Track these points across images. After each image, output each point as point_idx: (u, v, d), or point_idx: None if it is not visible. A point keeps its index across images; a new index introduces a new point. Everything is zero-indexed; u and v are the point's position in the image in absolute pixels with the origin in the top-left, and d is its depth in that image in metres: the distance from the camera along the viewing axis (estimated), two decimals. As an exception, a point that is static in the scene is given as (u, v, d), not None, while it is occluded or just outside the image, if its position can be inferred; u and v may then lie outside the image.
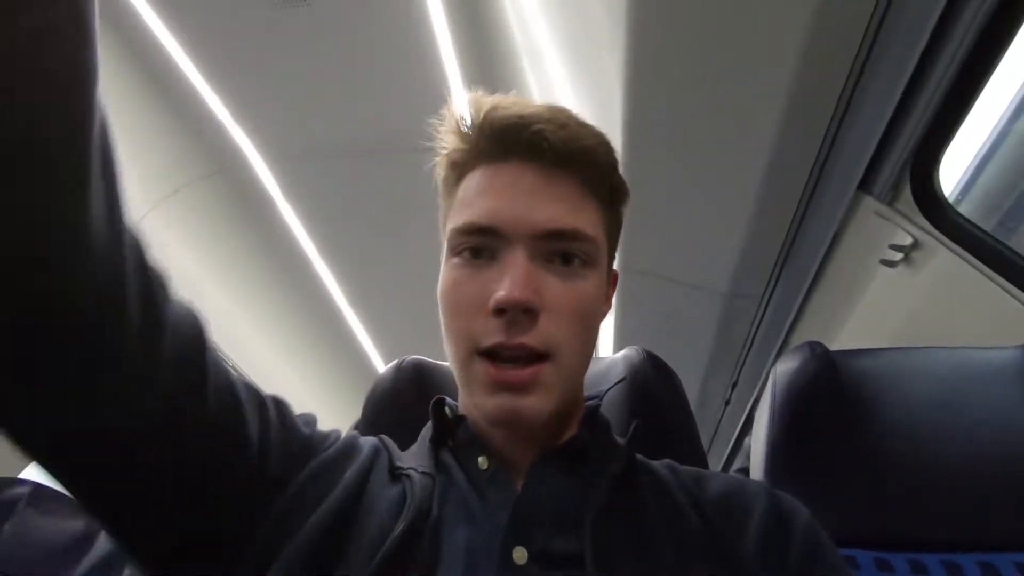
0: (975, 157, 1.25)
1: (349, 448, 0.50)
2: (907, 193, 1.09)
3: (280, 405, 0.48)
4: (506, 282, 0.44)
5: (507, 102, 0.49)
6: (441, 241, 0.54)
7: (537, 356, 0.45)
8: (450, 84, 1.48)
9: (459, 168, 0.52)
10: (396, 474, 0.48)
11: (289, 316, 2.25)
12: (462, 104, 0.51)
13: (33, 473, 1.93)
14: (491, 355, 0.45)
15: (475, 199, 0.49)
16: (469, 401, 0.49)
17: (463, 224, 0.48)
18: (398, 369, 0.73)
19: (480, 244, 0.47)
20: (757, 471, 0.72)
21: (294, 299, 2.18)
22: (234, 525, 0.41)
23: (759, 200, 1.27)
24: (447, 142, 0.52)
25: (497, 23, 1.44)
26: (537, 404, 0.46)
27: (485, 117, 0.49)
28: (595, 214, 0.50)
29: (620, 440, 0.54)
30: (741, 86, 1.08)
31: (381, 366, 2.47)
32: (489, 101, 0.50)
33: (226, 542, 0.41)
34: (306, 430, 0.50)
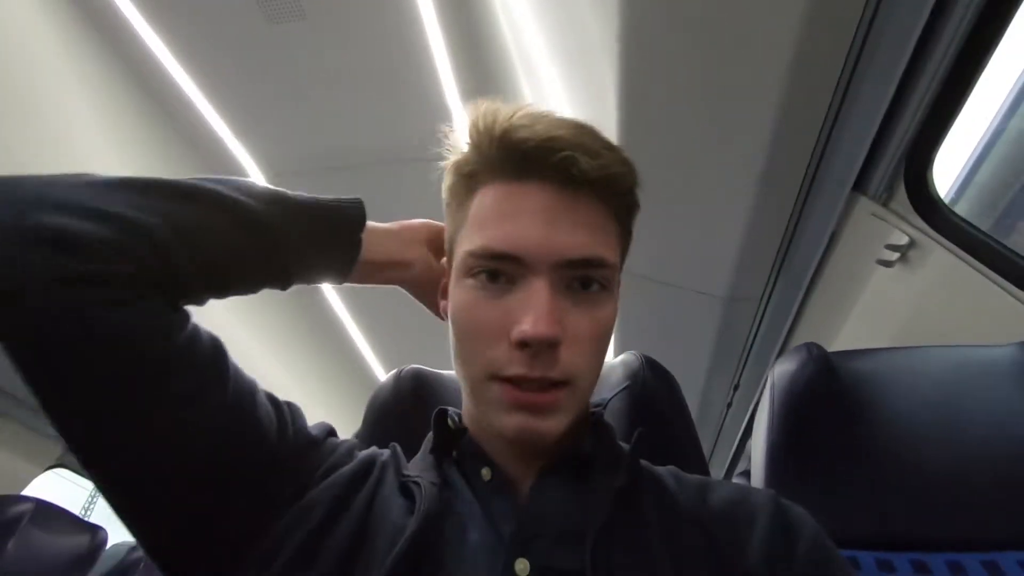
0: (969, 157, 1.25)
1: (365, 468, 0.51)
2: (902, 193, 1.10)
3: (293, 408, 0.52)
4: (530, 316, 0.43)
5: (527, 117, 0.47)
6: (448, 246, 0.53)
7: (555, 384, 0.45)
8: (446, 96, 1.49)
9: (471, 180, 0.49)
10: (404, 483, 0.49)
11: (292, 327, 2.25)
12: (478, 112, 0.48)
13: (35, 490, 1.94)
14: (509, 380, 0.45)
15: (492, 221, 0.46)
16: (483, 419, 0.49)
17: (479, 248, 0.46)
18: (398, 378, 0.73)
19: (497, 268, 0.46)
20: (757, 474, 0.72)
21: (295, 309, 2.19)
22: (246, 514, 0.44)
23: (755, 203, 1.27)
24: (458, 149, 0.50)
25: (492, 34, 1.45)
26: (554, 426, 0.45)
27: (506, 131, 0.46)
28: (614, 238, 0.49)
29: (624, 446, 0.53)
30: (734, 91, 1.09)
31: (382, 375, 2.47)
32: (507, 112, 0.47)
33: (237, 533, 0.44)
34: (315, 432, 0.52)
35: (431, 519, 0.45)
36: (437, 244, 0.58)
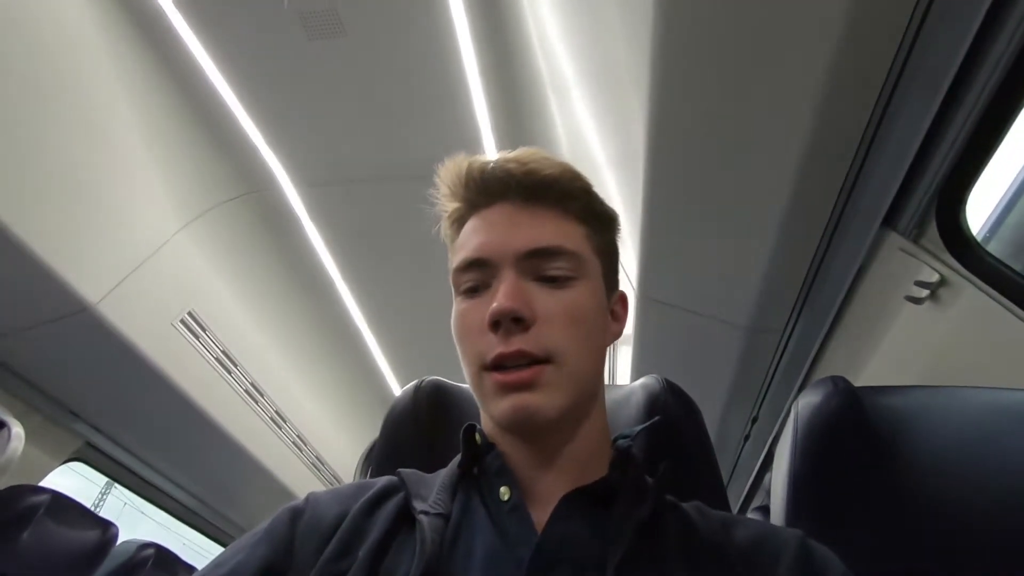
0: (1004, 195, 1.23)
1: (356, 531, 0.50)
2: (933, 230, 1.08)
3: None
4: (497, 297, 0.49)
5: (482, 158, 0.57)
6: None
7: (535, 360, 0.49)
8: (477, 117, 1.52)
9: (457, 223, 0.58)
10: (413, 517, 0.49)
11: (310, 337, 2.28)
12: (446, 170, 0.58)
13: (52, 482, 1.97)
14: (497, 367, 0.49)
15: (467, 241, 0.55)
16: (486, 415, 0.53)
17: (458, 263, 0.54)
18: (417, 389, 0.73)
19: (476, 279, 0.53)
20: (778, 509, 0.70)
21: (315, 320, 2.21)
22: None
23: (781, 234, 1.26)
24: (443, 204, 0.59)
25: (524, 58, 1.48)
26: (543, 400, 0.48)
27: (469, 168, 0.56)
28: (577, 233, 0.55)
29: (650, 480, 0.53)
30: (765, 120, 1.09)
31: (397, 388, 2.48)
32: (468, 160, 0.57)
33: None
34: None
35: (432, 561, 0.44)
36: None
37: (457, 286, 0.55)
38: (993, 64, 0.87)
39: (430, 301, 2.07)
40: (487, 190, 0.55)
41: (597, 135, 1.55)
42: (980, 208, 1.10)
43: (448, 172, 0.58)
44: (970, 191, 1.03)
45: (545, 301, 0.50)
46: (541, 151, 0.57)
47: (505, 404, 0.48)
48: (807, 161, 1.10)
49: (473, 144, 1.52)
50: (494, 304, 0.49)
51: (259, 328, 2.12)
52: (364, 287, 2.04)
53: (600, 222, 0.58)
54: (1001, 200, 1.25)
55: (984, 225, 1.20)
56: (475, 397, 0.54)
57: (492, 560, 0.45)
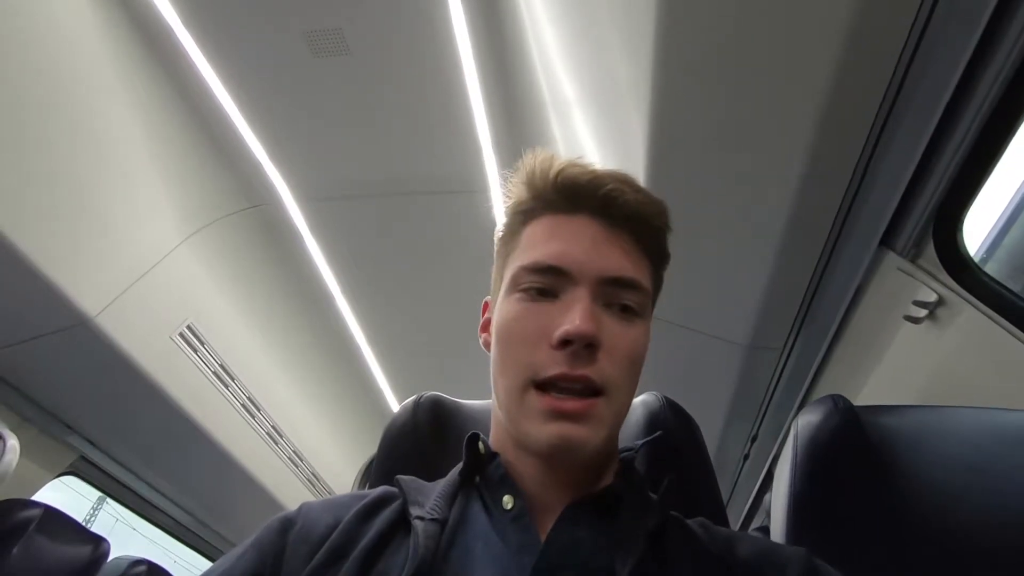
0: (1001, 216, 1.24)
1: (348, 538, 0.49)
2: (930, 250, 1.09)
3: None
4: (573, 316, 0.47)
5: (579, 163, 0.55)
6: (496, 281, 0.57)
7: (593, 390, 0.47)
8: (479, 135, 1.54)
9: (524, 215, 0.56)
10: (408, 523, 0.48)
11: (309, 351, 2.27)
12: (536, 159, 0.56)
13: (44, 496, 1.94)
14: (548, 386, 0.47)
15: (543, 242, 0.52)
16: (520, 433, 0.50)
17: (531, 262, 0.51)
18: (416, 404, 0.73)
19: (544, 283, 0.50)
20: (778, 528, 0.70)
21: (314, 335, 2.20)
22: None
23: (780, 253, 1.27)
24: (516, 192, 0.57)
25: (525, 77, 1.50)
26: (589, 435, 0.47)
27: (560, 172, 0.54)
28: (647, 271, 0.54)
29: (653, 496, 0.53)
30: (763, 142, 1.10)
31: (395, 404, 2.47)
32: (562, 160, 0.55)
33: None
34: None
35: (425, 565, 0.44)
36: None
37: (516, 283, 0.52)
38: (989, 85, 0.88)
39: (430, 317, 2.07)
40: (575, 198, 0.53)
41: (597, 153, 1.56)
42: (977, 228, 1.11)
43: (534, 164, 0.55)
44: (967, 212, 1.04)
45: (613, 332, 0.49)
46: (632, 177, 0.55)
47: (550, 431, 0.46)
48: (806, 180, 1.11)
49: (474, 162, 1.53)
50: (570, 326, 0.46)
51: (258, 342, 2.11)
52: (364, 302, 2.04)
53: (662, 260, 0.57)
54: (998, 221, 1.26)
55: (981, 246, 1.21)
56: (505, 410, 0.51)
57: (493, 563, 0.45)
